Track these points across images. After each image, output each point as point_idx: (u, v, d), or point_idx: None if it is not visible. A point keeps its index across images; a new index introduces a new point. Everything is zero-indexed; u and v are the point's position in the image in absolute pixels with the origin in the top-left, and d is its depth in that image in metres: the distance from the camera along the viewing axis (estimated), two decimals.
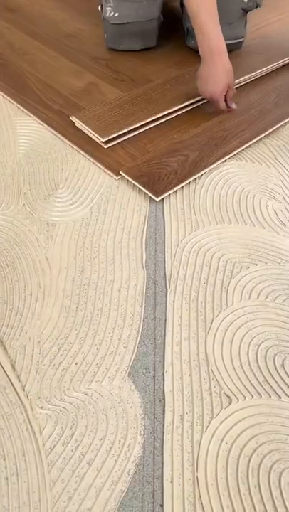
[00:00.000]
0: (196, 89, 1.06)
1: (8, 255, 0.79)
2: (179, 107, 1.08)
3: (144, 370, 0.65)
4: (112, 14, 1.22)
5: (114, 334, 0.69)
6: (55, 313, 0.71)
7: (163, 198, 0.89)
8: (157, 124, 1.05)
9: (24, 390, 0.62)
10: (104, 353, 0.67)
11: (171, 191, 0.89)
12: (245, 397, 0.63)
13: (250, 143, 1.02)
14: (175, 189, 0.90)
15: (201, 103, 1.11)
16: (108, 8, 1.22)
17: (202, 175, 0.95)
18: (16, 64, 1.23)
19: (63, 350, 0.67)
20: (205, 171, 0.95)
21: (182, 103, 1.08)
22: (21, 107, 1.10)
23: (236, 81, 1.12)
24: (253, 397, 0.63)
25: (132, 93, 1.12)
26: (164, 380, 0.64)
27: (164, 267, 0.78)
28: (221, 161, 0.97)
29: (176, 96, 1.10)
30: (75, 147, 1.00)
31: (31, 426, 0.59)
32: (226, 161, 0.98)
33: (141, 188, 0.90)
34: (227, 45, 1.00)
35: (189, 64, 1.24)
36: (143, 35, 1.27)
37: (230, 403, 0.62)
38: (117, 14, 1.22)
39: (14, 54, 1.27)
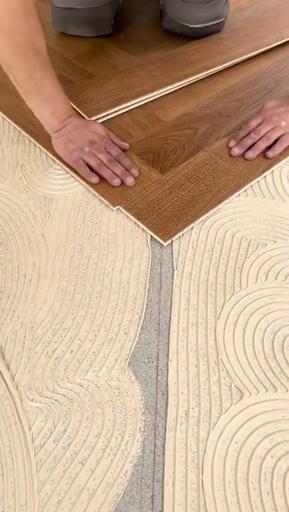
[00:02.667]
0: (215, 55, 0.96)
1: (1, 232, 0.73)
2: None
3: (146, 360, 0.59)
4: None
5: (114, 319, 0.62)
6: (51, 296, 0.65)
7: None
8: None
9: (14, 380, 0.57)
10: (103, 340, 0.60)
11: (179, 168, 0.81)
12: (258, 391, 0.56)
13: None
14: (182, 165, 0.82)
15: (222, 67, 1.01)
16: None
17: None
18: None
19: (58, 337, 0.61)
20: (216, 144, 0.85)
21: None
22: None
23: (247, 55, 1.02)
24: (267, 390, 0.56)
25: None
26: (167, 370, 0.58)
27: (172, 245, 0.71)
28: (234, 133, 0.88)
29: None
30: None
31: (20, 420, 0.53)
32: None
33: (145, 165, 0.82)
34: (206, 27, 0.92)
35: None
36: (93, 22, 1.06)
37: (241, 397, 0.55)
38: None
39: None
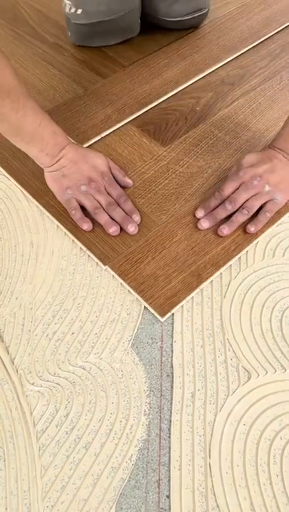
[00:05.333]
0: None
1: None
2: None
3: (150, 341, 0.57)
4: (73, 11, 0.86)
5: (116, 299, 0.60)
6: (50, 276, 0.62)
7: None
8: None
9: (13, 363, 0.55)
10: (105, 321, 0.58)
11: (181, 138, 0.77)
12: (266, 372, 0.54)
13: (271, 80, 0.87)
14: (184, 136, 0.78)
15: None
16: (67, 2, 0.86)
17: None
18: None
19: (58, 318, 0.59)
20: (222, 112, 0.81)
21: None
22: (15, 41, 0.96)
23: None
24: (275, 371, 0.54)
25: None
26: (172, 351, 0.56)
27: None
28: (238, 102, 0.84)
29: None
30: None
31: (21, 405, 0.52)
32: None
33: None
34: (186, 20, 0.84)
35: None
36: (122, 29, 0.91)
37: (249, 378, 0.54)
38: (80, 11, 0.85)
39: None
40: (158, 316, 0.58)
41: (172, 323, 0.58)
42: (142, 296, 0.59)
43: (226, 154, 0.75)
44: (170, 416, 0.51)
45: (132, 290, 0.60)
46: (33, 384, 0.53)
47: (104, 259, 0.63)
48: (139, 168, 0.74)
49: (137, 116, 0.81)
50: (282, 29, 0.97)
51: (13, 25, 1.00)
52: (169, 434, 0.50)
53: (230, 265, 0.63)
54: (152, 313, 0.59)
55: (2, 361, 0.55)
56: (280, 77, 0.88)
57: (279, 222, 0.67)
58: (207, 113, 0.82)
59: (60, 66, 0.90)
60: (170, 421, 0.51)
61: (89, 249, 0.64)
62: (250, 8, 1.02)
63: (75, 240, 0.65)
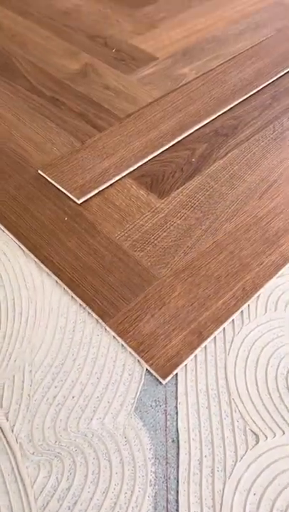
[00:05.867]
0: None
1: None
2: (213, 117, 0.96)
3: (154, 403, 0.55)
4: None
5: (117, 359, 0.59)
6: (49, 335, 0.61)
7: None
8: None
9: (13, 431, 0.53)
10: (107, 383, 0.57)
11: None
12: (274, 434, 0.53)
13: (264, 130, 0.89)
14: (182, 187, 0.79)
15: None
16: None
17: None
18: (5, 47, 1.11)
19: (58, 381, 0.57)
20: (217, 163, 0.83)
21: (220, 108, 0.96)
22: (11, 94, 0.98)
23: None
24: (284, 433, 0.53)
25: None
26: (177, 414, 0.54)
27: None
28: (232, 153, 0.85)
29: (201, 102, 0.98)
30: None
31: (21, 477, 0.49)
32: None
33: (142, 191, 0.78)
34: None
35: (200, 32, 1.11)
36: None
37: (257, 442, 0.52)
38: None
39: (2, 35, 1.15)
40: (160, 379, 0.56)
41: (176, 384, 0.57)
42: (142, 357, 0.58)
43: (223, 206, 0.76)
44: (177, 486, 0.49)
45: (132, 351, 0.58)
46: (33, 454, 0.51)
47: (103, 316, 0.62)
48: (137, 220, 0.74)
49: (134, 169, 0.82)
50: (273, 81, 1.01)
51: (9, 79, 1.03)
52: (177, 506, 0.48)
53: (233, 320, 0.62)
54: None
55: (1, 429, 0.53)
56: (273, 127, 0.90)
57: (279, 273, 0.67)
58: (203, 164, 0.83)
59: (57, 119, 0.92)
60: (177, 491, 0.49)
61: (88, 305, 0.63)
62: (242, 61, 1.06)
63: (74, 296, 0.65)
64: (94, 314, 0.62)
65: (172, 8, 1.25)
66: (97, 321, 0.62)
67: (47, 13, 1.24)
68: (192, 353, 0.58)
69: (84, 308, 0.64)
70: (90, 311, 0.63)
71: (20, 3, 1.28)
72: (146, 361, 0.57)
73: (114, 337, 0.61)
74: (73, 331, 0.62)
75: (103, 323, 0.61)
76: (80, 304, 0.64)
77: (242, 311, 0.63)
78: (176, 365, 0.57)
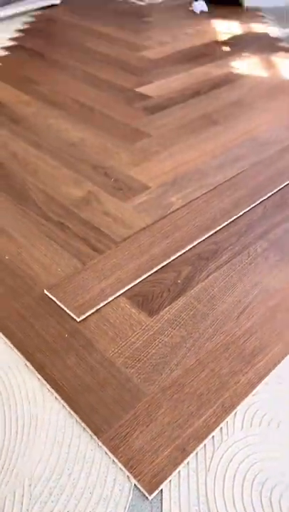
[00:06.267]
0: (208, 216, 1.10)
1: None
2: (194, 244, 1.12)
3: None
4: None
5: (108, 474, 0.65)
6: (48, 449, 0.68)
7: None
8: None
9: None
10: (98, 498, 0.63)
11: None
12: None
13: (240, 255, 1.03)
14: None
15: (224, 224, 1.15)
16: None
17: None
18: (19, 175, 1.30)
19: (54, 496, 0.63)
20: (200, 285, 0.95)
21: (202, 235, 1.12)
22: (23, 219, 1.14)
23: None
24: None
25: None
26: None
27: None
28: (213, 275, 0.98)
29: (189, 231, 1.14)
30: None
31: None
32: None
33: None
34: None
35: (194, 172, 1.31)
36: None
37: None
38: None
39: (17, 164, 1.34)
40: (146, 494, 0.62)
41: (161, 500, 0.63)
42: (131, 473, 0.64)
43: (205, 325, 0.87)
44: None
45: (122, 467, 0.65)
46: None
47: (97, 432, 0.69)
48: (129, 337, 0.84)
49: (128, 289, 0.94)
50: (249, 210, 1.17)
51: (22, 204, 1.19)
52: None
53: (213, 436, 0.70)
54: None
55: None
56: (248, 253, 1.04)
57: (254, 391, 0.76)
58: (187, 285, 0.96)
59: (62, 242, 1.06)
60: None
61: (84, 421, 0.71)
62: (221, 191, 1.24)
63: (72, 412, 0.72)
64: (89, 430, 0.70)
65: (163, 143, 1.47)
66: (91, 436, 0.70)
67: (56, 145, 1.45)
68: (176, 469, 0.65)
69: (80, 424, 0.71)
70: (85, 426, 0.70)
71: (33, 135, 1.50)
72: (135, 477, 0.64)
73: (106, 452, 0.67)
74: (69, 445, 0.69)
75: (96, 439, 0.69)
76: (76, 420, 0.72)
77: (221, 428, 0.71)
78: (162, 481, 0.63)
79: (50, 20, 2.65)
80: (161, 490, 0.64)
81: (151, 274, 0.98)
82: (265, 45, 2.29)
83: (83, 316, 0.88)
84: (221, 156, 1.40)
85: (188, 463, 0.66)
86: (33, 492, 0.63)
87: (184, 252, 1.04)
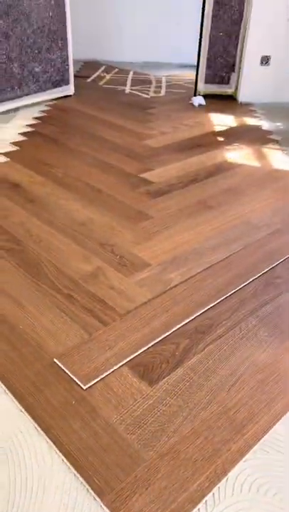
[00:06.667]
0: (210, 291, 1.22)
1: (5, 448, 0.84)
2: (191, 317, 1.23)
3: None
4: None
5: None
6: (54, 510, 0.74)
7: None
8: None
9: None
10: None
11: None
12: None
13: (233, 330, 1.14)
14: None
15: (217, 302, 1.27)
16: None
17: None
18: (33, 251, 1.43)
19: None
20: (196, 357, 1.05)
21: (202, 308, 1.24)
22: (36, 292, 1.25)
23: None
24: None
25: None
26: None
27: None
28: (208, 348, 1.08)
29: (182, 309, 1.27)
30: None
31: None
32: None
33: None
34: None
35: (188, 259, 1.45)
36: None
37: None
38: None
39: (32, 241, 1.49)
40: None
41: None
42: None
43: (200, 396, 0.95)
44: None
45: None
46: None
47: (100, 494, 0.75)
48: (131, 406, 0.92)
49: (130, 359, 1.03)
50: (241, 288, 1.30)
51: (35, 278, 1.31)
52: None
53: (206, 500, 0.76)
54: None
55: None
56: (240, 328, 1.15)
57: (244, 459, 0.83)
58: (184, 357, 1.05)
59: (71, 313, 1.17)
60: None
61: (88, 483, 0.77)
62: (216, 270, 1.37)
63: (77, 474, 0.79)
64: (92, 492, 0.76)
65: (164, 225, 1.63)
66: (94, 498, 0.76)
67: (67, 223, 1.61)
68: None
69: (84, 485, 0.77)
70: (89, 488, 0.77)
71: (47, 214, 1.66)
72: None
73: None
74: (74, 507, 0.74)
75: (100, 501, 0.75)
76: (82, 482, 0.78)
77: (213, 493, 0.77)
78: None
79: (64, 110, 2.96)
80: None
81: (152, 345, 1.08)
82: (257, 137, 2.56)
83: (89, 384, 0.96)
84: (216, 238, 1.55)
85: None
86: None
87: (182, 325, 1.15)
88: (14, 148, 2.28)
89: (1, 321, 1.14)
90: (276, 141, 2.51)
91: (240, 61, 3.13)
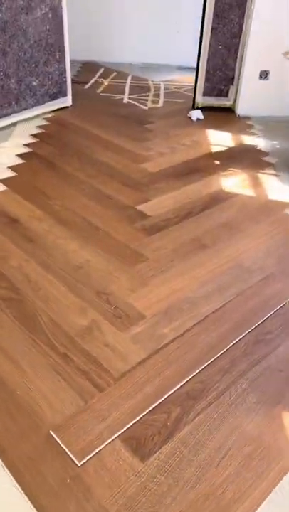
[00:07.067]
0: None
1: None
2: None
3: None
4: None
5: None
6: None
7: None
8: None
9: None
10: None
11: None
12: None
13: (223, 395, 1.18)
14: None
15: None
16: None
17: None
18: (31, 301, 1.47)
19: None
20: (187, 428, 1.09)
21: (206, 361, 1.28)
22: (32, 348, 1.29)
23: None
24: None
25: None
26: None
27: None
28: (198, 418, 1.13)
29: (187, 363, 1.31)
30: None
31: None
32: None
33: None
34: None
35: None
36: None
37: None
38: None
39: (30, 290, 1.51)
40: None
41: None
42: None
43: (189, 473, 1.00)
44: None
45: None
46: None
47: None
48: (123, 483, 0.97)
49: (123, 432, 1.08)
50: (233, 345, 1.34)
51: (32, 332, 1.35)
52: None
53: None
54: None
55: None
56: (230, 393, 1.19)
57: None
58: (175, 428, 1.10)
59: (67, 376, 1.21)
60: None
61: None
62: (209, 324, 1.41)
63: None
64: None
65: (159, 268, 1.66)
66: None
67: (64, 268, 1.63)
68: None
69: None
70: None
71: (44, 256, 1.68)
72: None
73: None
74: None
75: None
76: None
77: None
78: None
79: (62, 124, 2.94)
80: None
81: (145, 414, 1.12)
82: (253, 160, 2.56)
83: (83, 461, 1.01)
84: (209, 284, 1.58)
85: None
86: None
87: (174, 391, 1.19)
88: (12, 174, 2.28)
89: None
90: (272, 165, 2.51)
91: (239, 74, 3.11)
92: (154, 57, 4.42)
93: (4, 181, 2.20)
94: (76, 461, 1.01)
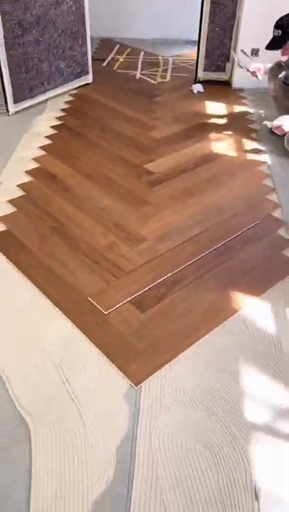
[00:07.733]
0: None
1: None
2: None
3: None
4: None
5: None
6: None
7: None
8: None
9: None
10: None
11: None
12: None
13: (196, 281, 1.89)
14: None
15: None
16: None
17: None
18: (72, 230, 2.17)
19: None
20: (169, 298, 1.81)
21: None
22: (73, 256, 2.01)
23: None
24: None
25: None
26: None
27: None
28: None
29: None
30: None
31: None
32: None
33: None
34: None
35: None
36: None
37: None
38: None
39: (70, 223, 2.21)
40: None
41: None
42: None
43: (169, 319, 1.72)
44: None
45: None
46: None
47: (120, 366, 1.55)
48: (131, 322, 1.70)
49: (131, 299, 1.80)
50: (206, 254, 2.03)
51: (72, 248, 2.06)
52: None
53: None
54: None
55: None
56: (198, 281, 1.89)
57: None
58: (162, 298, 1.81)
59: (97, 272, 1.93)
60: None
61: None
62: (191, 242, 2.09)
63: (109, 362, 1.58)
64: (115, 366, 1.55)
65: (158, 208, 2.33)
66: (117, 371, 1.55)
67: (92, 209, 2.32)
68: None
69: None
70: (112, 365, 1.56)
71: (78, 201, 2.38)
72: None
73: None
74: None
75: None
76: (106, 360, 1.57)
77: None
78: None
79: (84, 100, 3.57)
80: None
81: (144, 291, 1.83)
82: (240, 127, 3.16)
83: (109, 311, 1.73)
84: (193, 219, 2.26)
85: None
86: None
87: (163, 279, 1.89)
88: (48, 141, 2.96)
89: (57, 276, 1.90)
90: (255, 131, 3.11)
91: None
92: (164, 32, 4.93)
93: (44, 147, 2.88)
94: (104, 312, 1.73)
